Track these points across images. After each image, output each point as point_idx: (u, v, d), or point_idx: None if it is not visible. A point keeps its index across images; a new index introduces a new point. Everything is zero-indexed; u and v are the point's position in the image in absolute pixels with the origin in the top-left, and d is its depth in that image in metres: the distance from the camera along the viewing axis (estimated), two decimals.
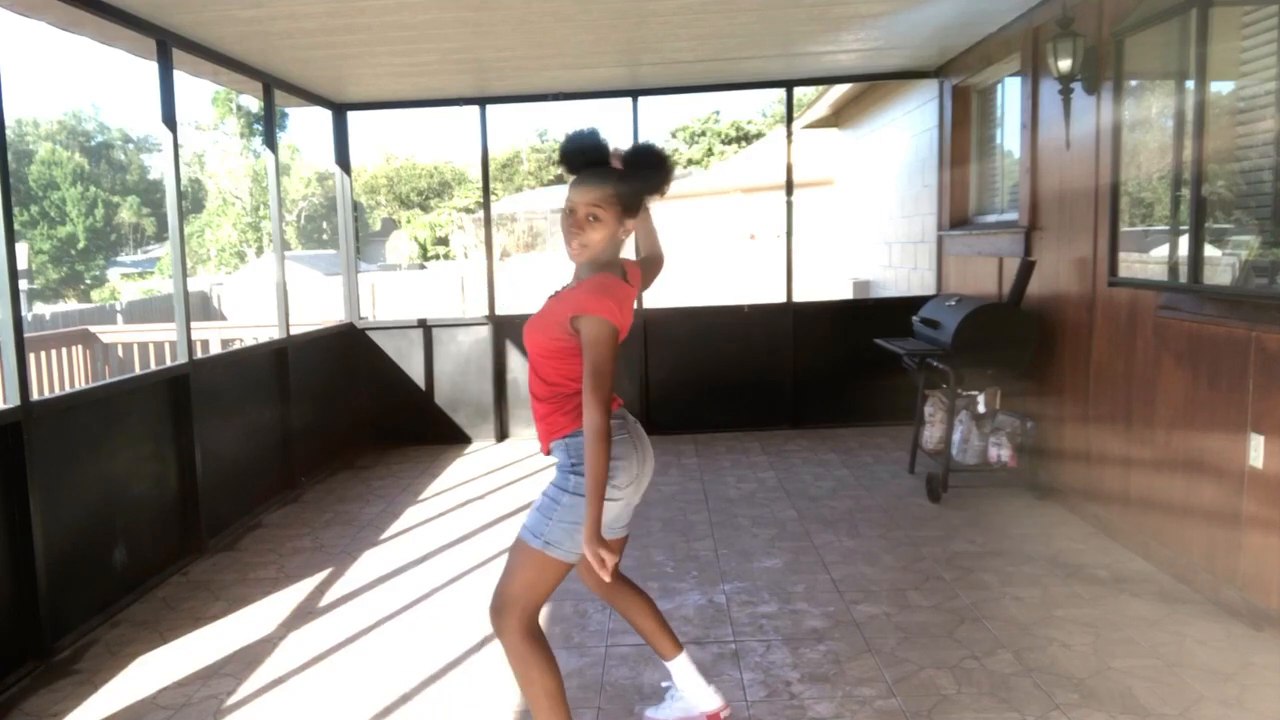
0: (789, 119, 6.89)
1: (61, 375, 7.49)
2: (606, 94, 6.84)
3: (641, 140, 2.44)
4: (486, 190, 6.96)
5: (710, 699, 2.68)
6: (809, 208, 11.11)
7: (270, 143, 5.87)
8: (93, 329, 8.23)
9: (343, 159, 6.84)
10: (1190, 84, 3.48)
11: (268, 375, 5.57)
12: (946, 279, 6.54)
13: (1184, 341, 3.65)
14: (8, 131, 3.39)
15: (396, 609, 3.80)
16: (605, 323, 2.19)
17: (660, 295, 6.59)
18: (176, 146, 4.49)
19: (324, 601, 3.92)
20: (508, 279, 16.57)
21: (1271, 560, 3.16)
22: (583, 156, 2.33)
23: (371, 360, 6.84)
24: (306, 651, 3.43)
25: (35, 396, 3.48)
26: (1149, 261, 3.99)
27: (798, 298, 6.79)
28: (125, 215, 41.29)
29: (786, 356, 6.75)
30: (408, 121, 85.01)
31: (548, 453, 2.43)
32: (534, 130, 46.07)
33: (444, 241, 32.72)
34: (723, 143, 36.66)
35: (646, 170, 2.33)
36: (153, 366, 7.49)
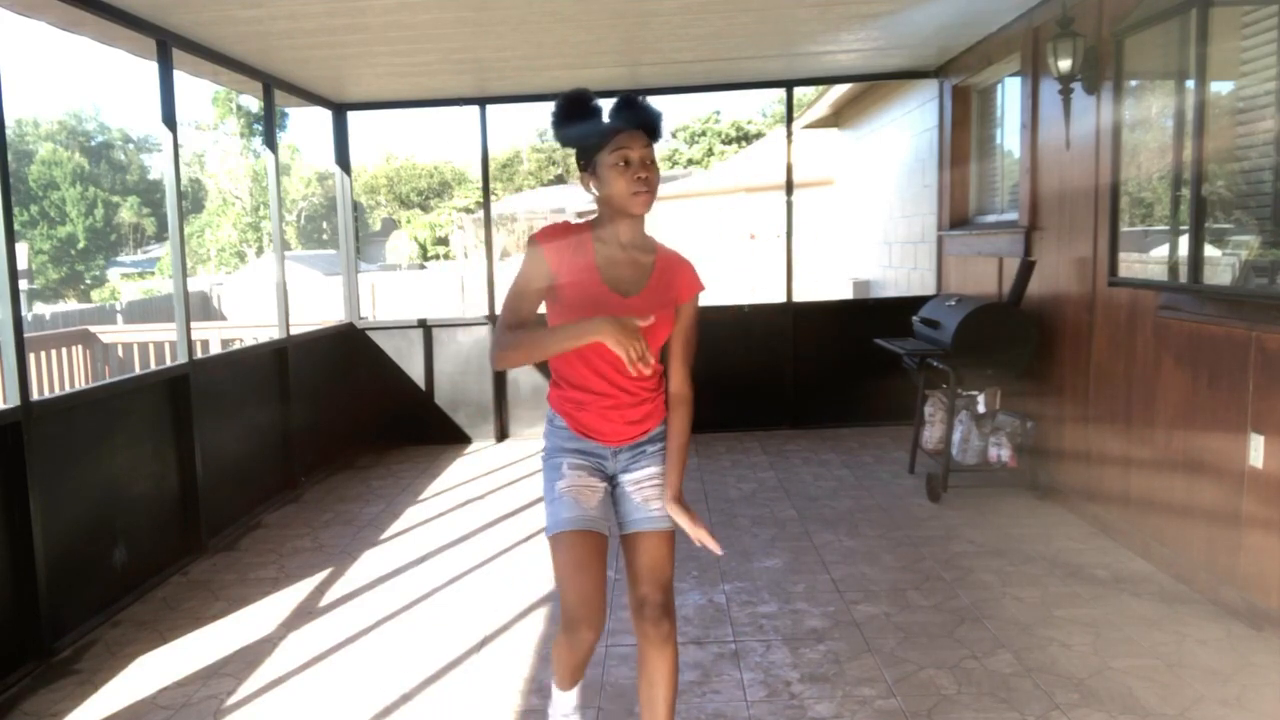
0: (789, 119, 6.89)
1: (61, 375, 7.49)
2: (607, 94, 6.78)
3: (622, 94, 2.30)
4: (486, 190, 6.96)
5: None
6: (809, 208, 11.11)
7: (270, 143, 5.87)
8: (93, 329, 8.23)
9: (343, 159, 6.84)
10: (1190, 84, 3.48)
11: (268, 375, 5.57)
12: (946, 279, 6.54)
13: (1184, 341, 3.65)
14: (8, 131, 3.38)
15: (396, 609, 3.80)
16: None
17: None
18: (176, 146, 4.49)
19: (324, 601, 3.92)
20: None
21: (1271, 560, 3.16)
22: (592, 112, 2.22)
23: (371, 360, 6.84)
24: (306, 651, 3.43)
25: (35, 396, 3.48)
26: (1149, 261, 4.00)
27: (798, 298, 6.78)
28: (125, 215, 41.28)
29: (786, 356, 6.75)
30: (408, 121, 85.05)
31: (641, 436, 2.34)
32: (534, 130, 46.07)
33: (444, 241, 32.72)
34: (723, 143, 36.65)
35: (649, 115, 2.23)
36: (153, 366, 7.49)
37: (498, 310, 6.87)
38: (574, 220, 2.28)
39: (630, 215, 2.19)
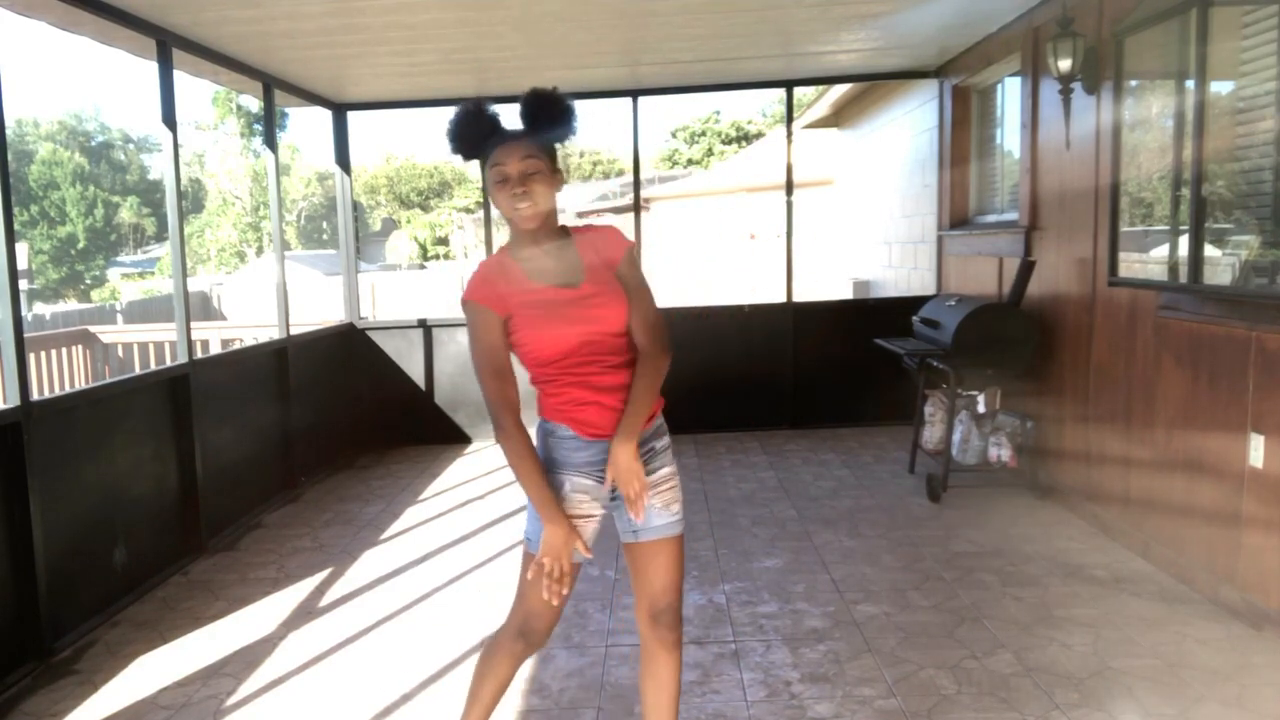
0: (789, 119, 6.89)
1: (61, 375, 7.49)
2: (606, 94, 6.84)
3: (529, 90, 2.19)
4: (560, 176, 6.95)
5: None
6: (809, 208, 11.10)
7: (270, 143, 5.87)
8: (93, 329, 8.23)
9: (343, 159, 6.84)
10: (1190, 84, 3.48)
11: (268, 375, 5.57)
12: (946, 279, 6.54)
13: (1184, 341, 3.65)
14: (8, 131, 3.38)
15: (396, 609, 3.80)
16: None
17: (660, 295, 6.58)
18: (176, 146, 4.49)
19: (324, 601, 3.92)
20: None
21: (1271, 560, 3.16)
22: (481, 128, 2.11)
23: (371, 360, 6.84)
24: (306, 651, 3.43)
25: (35, 396, 3.48)
26: (1149, 261, 3.99)
27: (798, 298, 6.78)
28: (125, 215, 41.29)
29: (786, 357, 6.75)
30: (408, 121, 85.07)
31: (645, 427, 2.21)
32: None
33: (444, 241, 32.72)
34: (723, 143, 36.65)
35: (548, 115, 2.12)
36: (153, 366, 7.49)
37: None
38: (499, 255, 2.19)
39: (525, 231, 2.11)
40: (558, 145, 2.17)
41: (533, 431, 2.18)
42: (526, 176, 2.06)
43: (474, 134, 2.12)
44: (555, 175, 2.13)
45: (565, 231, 2.22)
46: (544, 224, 2.11)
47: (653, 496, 2.20)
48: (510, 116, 2.23)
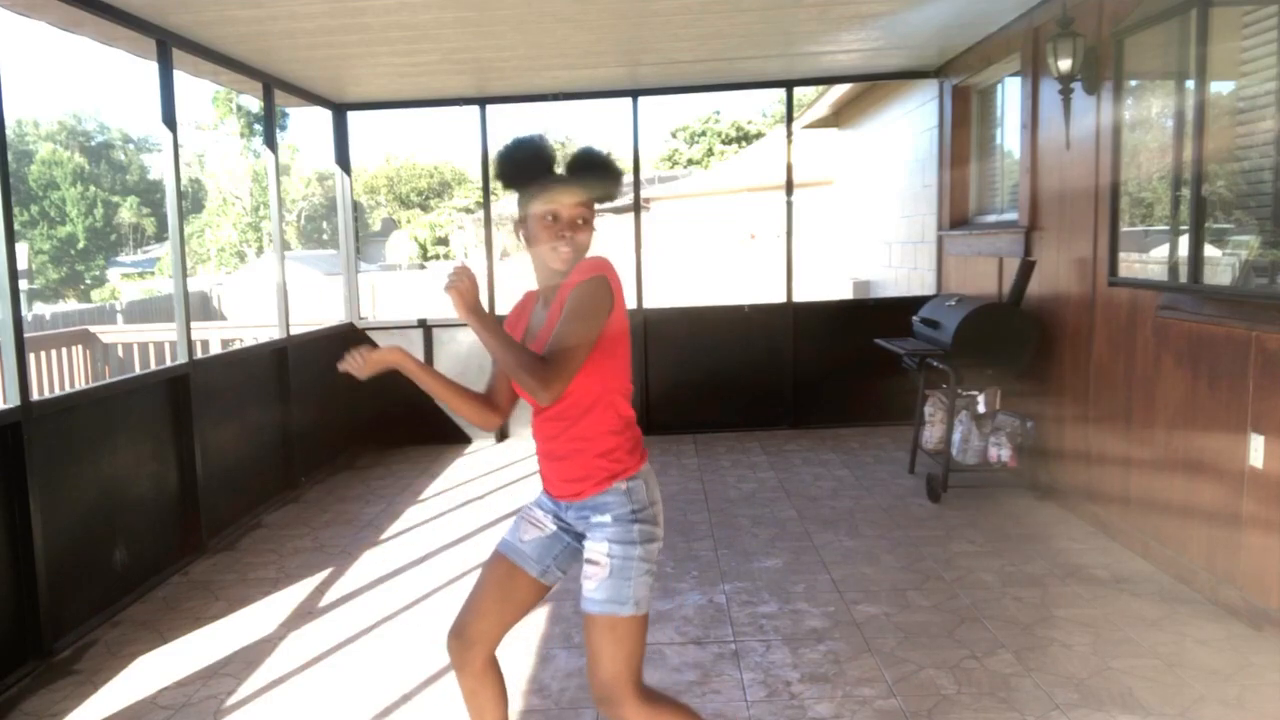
0: (789, 119, 6.89)
1: (61, 375, 7.49)
2: (606, 94, 6.84)
3: (582, 145, 2.20)
4: (486, 190, 6.96)
5: None
6: (809, 208, 11.10)
7: (270, 143, 5.87)
8: (93, 329, 8.23)
9: (343, 159, 6.84)
10: (1190, 84, 3.48)
11: (268, 375, 5.57)
12: (946, 279, 6.54)
13: (1184, 341, 3.65)
14: (8, 131, 3.38)
15: (396, 609, 3.80)
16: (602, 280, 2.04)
17: (660, 295, 6.59)
18: (176, 146, 4.49)
19: (324, 601, 3.92)
20: (508, 279, 16.55)
21: (1271, 560, 3.16)
22: (542, 163, 2.14)
23: None
24: (306, 651, 3.43)
25: (35, 396, 3.48)
26: (1149, 261, 4.00)
27: (798, 298, 6.78)
28: (125, 215, 41.29)
29: (786, 356, 6.75)
30: (408, 121, 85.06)
31: (578, 498, 2.14)
32: (534, 130, 46.02)
33: (444, 241, 32.70)
34: (723, 143, 36.64)
35: (598, 177, 2.14)
36: (153, 366, 7.49)
37: (499, 310, 6.90)
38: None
39: (551, 269, 2.14)
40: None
41: None
42: (575, 223, 2.11)
43: (535, 168, 2.15)
44: (592, 229, 2.18)
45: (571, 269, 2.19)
46: (570, 269, 2.14)
47: (583, 564, 2.15)
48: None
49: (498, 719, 2.33)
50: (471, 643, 2.25)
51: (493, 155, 2.21)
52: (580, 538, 2.21)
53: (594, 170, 2.15)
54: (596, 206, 2.18)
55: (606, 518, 2.11)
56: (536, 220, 2.12)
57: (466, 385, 2.24)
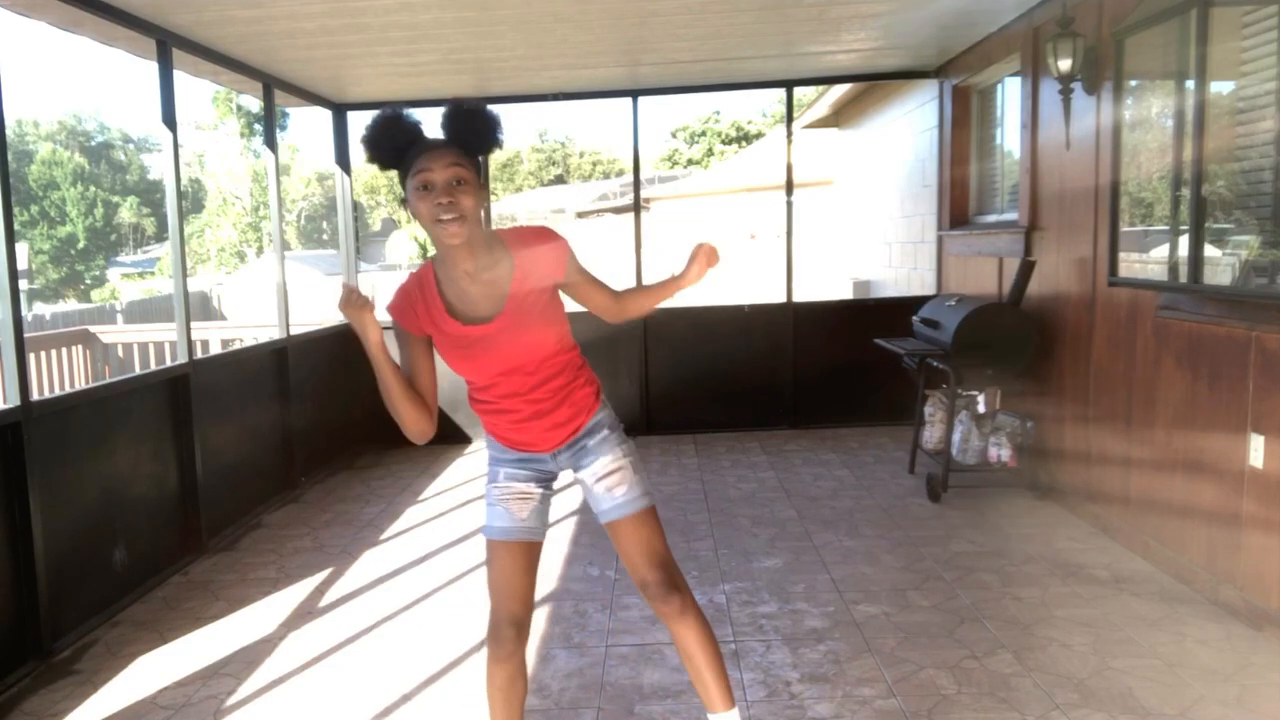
0: (789, 119, 6.89)
1: (61, 375, 7.49)
2: (606, 94, 6.85)
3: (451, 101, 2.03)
4: (486, 190, 6.95)
5: None
6: (809, 208, 11.10)
7: (270, 143, 5.87)
8: (93, 329, 8.22)
9: (343, 159, 6.84)
10: (1190, 84, 3.48)
11: (268, 375, 5.57)
12: (946, 279, 6.54)
13: (1184, 341, 3.65)
14: (8, 131, 3.38)
15: (396, 609, 3.80)
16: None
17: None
18: (176, 146, 4.49)
19: (324, 601, 3.92)
20: None
21: (1271, 560, 3.16)
22: (402, 136, 1.97)
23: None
24: (306, 651, 3.43)
25: (35, 396, 3.48)
26: (1149, 261, 4.00)
27: (798, 298, 6.78)
28: (125, 215, 41.30)
29: (786, 356, 6.75)
30: None
31: (575, 435, 2.23)
32: (534, 130, 46.09)
33: None
34: (723, 143, 36.66)
35: (471, 129, 1.99)
36: (153, 366, 7.49)
37: None
38: (423, 267, 2.13)
39: (449, 247, 1.98)
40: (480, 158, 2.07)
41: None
42: (453, 186, 1.93)
43: (394, 141, 1.97)
44: (482, 188, 2.01)
45: (498, 248, 2.09)
46: (470, 240, 1.97)
47: (595, 483, 2.25)
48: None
49: (521, 704, 2.36)
50: (525, 631, 2.27)
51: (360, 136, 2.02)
52: (552, 484, 2.33)
53: (459, 120, 1.98)
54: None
55: (605, 431, 2.27)
56: (413, 196, 1.95)
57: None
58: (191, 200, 32.83)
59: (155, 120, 4.51)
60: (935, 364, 5.09)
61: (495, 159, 35.68)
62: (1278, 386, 3.13)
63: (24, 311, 5.97)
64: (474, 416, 6.87)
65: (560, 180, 41.68)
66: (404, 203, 2.02)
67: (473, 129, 1.99)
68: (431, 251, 2.14)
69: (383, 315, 2.04)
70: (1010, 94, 5.80)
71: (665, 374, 6.78)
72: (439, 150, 1.94)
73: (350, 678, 3.22)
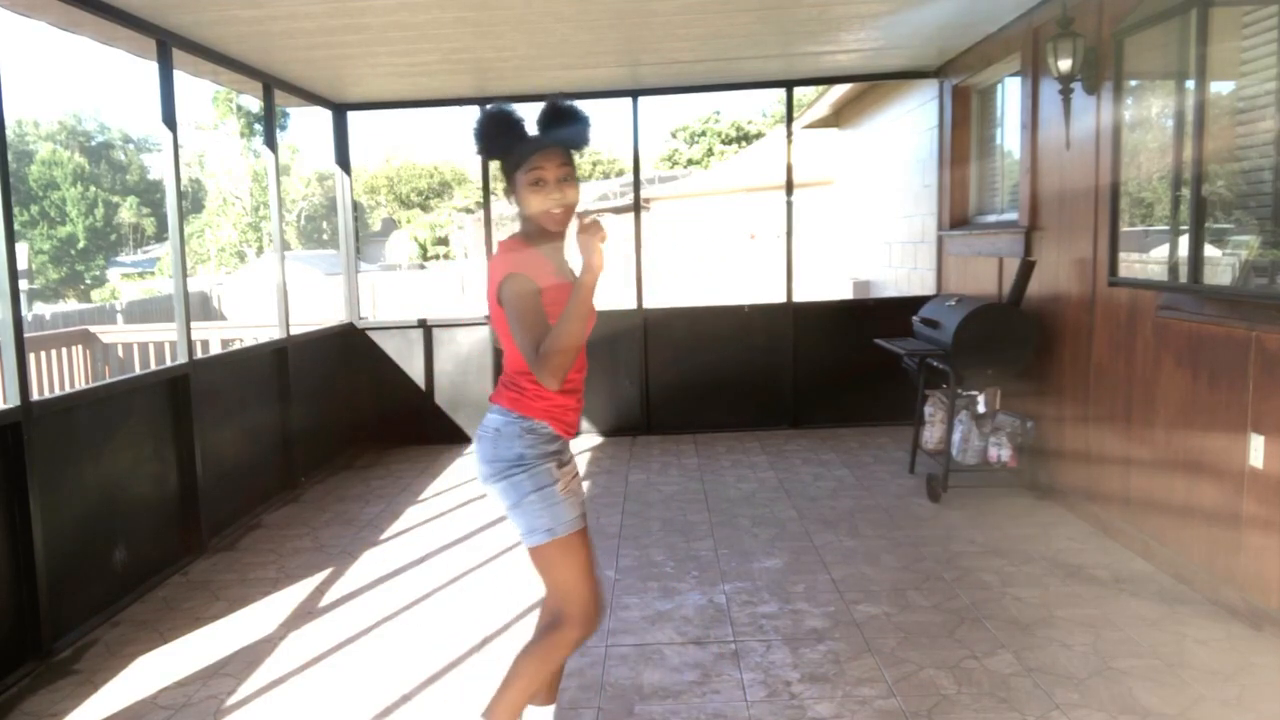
0: (789, 119, 6.89)
1: (61, 375, 7.49)
2: (606, 94, 6.84)
3: (548, 100, 2.34)
4: (486, 190, 6.96)
5: None
6: (809, 208, 11.10)
7: (270, 143, 5.87)
8: (93, 329, 8.22)
9: (343, 159, 6.84)
10: (1190, 84, 3.48)
11: (268, 375, 5.57)
12: (946, 279, 6.54)
13: (1184, 341, 3.65)
14: (8, 131, 3.38)
15: (396, 609, 3.80)
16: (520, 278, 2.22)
17: (660, 295, 6.59)
18: (176, 146, 4.49)
19: (324, 601, 3.92)
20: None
21: (1271, 560, 3.16)
22: (510, 132, 2.28)
23: (371, 360, 6.84)
24: (306, 651, 3.43)
25: (35, 396, 3.48)
26: (1149, 261, 4.00)
27: (798, 298, 6.78)
28: (125, 215, 41.29)
29: (786, 357, 6.75)
30: (408, 121, 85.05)
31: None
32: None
33: (444, 241, 32.72)
34: (723, 143, 36.64)
35: (569, 127, 2.29)
36: (153, 366, 7.49)
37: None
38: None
39: (549, 232, 2.30)
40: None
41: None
42: (562, 182, 2.25)
43: (505, 137, 2.28)
44: (577, 183, 2.32)
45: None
46: (562, 236, 2.31)
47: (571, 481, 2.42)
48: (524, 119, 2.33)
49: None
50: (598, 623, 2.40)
51: (472, 128, 2.31)
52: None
53: (564, 123, 2.28)
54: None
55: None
56: (524, 186, 2.26)
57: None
58: (191, 200, 32.83)
59: (155, 120, 4.51)
60: (935, 364, 5.09)
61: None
62: (1278, 386, 3.13)
63: (24, 311, 5.97)
64: (473, 417, 6.92)
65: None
66: (507, 190, 2.33)
67: (573, 129, 2.30)
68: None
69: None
70: (1010, 94, 5.80)
71: (665, 374, 6.78)
72: (551, 151, 2.26)
73: (350, 678, 3.22)
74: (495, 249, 2.39)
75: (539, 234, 2.31)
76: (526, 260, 2.25)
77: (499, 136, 2.28)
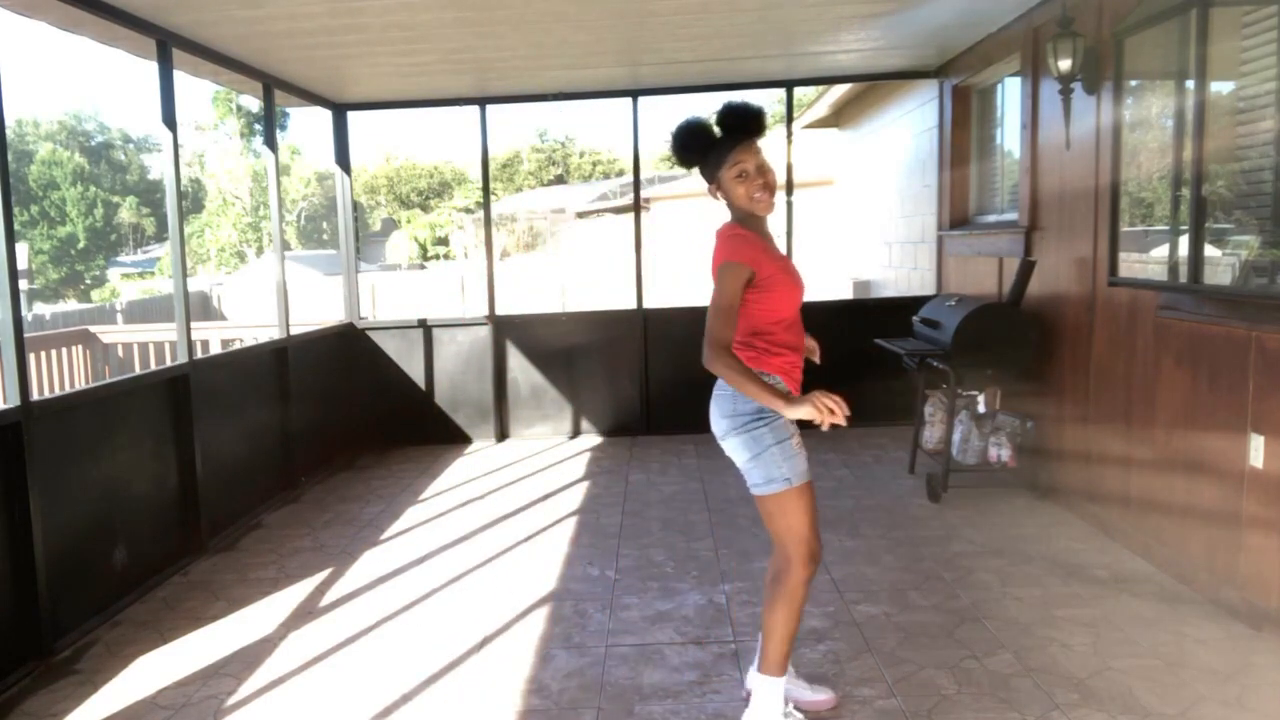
0: (789, 119, 6.89)
1: (61, 375, 7.49)
2: (606, 94, 6.84)
3: (724, 104, 2.63)
4: (486, 190, 6.96)
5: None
6: (809, 208, 11.09)
7: (270, 143, 5.87)
8: (93, 329, 8.22)
9: (343, 159, 6.84)
10: (1190, 84, 3.48)
11: (268, 375, 5.57)
12: (946, 279, 6.54)
13: (1184, 341, 3.65)
14: (8, 131, 3.39)
15: (396, 609, 3.80)
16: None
17: (660, 295, 6.58)
18: (176, 146, 4.49)
19: (324, 601, 3.92)
20: (508, 279, 16.55)
21: (1271, 560, 3.16)
22: (706, 140, 2.58)
23: (371, 360, 6.84)
24: (306, 651, 3.44)
25: (35, 396, 3.48)
26: (1149, 261, 4.00)
27: None
28: (125, 215, 41.30)
29: None
30: (408, 121, 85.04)
31: None
32: (534, 130, 46.11)
33: (444, 241, 32.70)
34: None
35: (749, 120, 2.58)
36: (153, 366, 7.49)
37: (499, 310, 6.90)
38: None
39: (758, 215, 2.63)
40: None
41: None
42: (761, 168, 2.57)
43: (701, 145, 2.59)
44: (772, 168, 2.63)
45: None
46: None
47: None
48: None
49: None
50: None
51: (666, 143, 2.69)
52: None
53: (745, 119, 2.58)
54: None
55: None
56: (730, 180, 2.59)
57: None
58: (191, 200, 32.83)
59: (155, 120, 4.52)
60: (935, 364, 5.09)
61: (495, 159, 35.66)
62: (1278, 386, 3.13)
63: (24, 311, 5.97)
64: (473, 417, 6.91)
65: (560, 180, 41.65)
66: (712, 189, 2.66)
67: (755, 120, 2.59)
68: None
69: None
70: (1010, 94, 5.80)
71: (665, 374, 6.78)
72: (748, 145, 2.57)
73: (350, 678, 3.22)
74: (719, 228, 2.70)
75: (749, 218, 2.62)
76: (748, 248, 2.54)
77: (697, 144, 2.59)
